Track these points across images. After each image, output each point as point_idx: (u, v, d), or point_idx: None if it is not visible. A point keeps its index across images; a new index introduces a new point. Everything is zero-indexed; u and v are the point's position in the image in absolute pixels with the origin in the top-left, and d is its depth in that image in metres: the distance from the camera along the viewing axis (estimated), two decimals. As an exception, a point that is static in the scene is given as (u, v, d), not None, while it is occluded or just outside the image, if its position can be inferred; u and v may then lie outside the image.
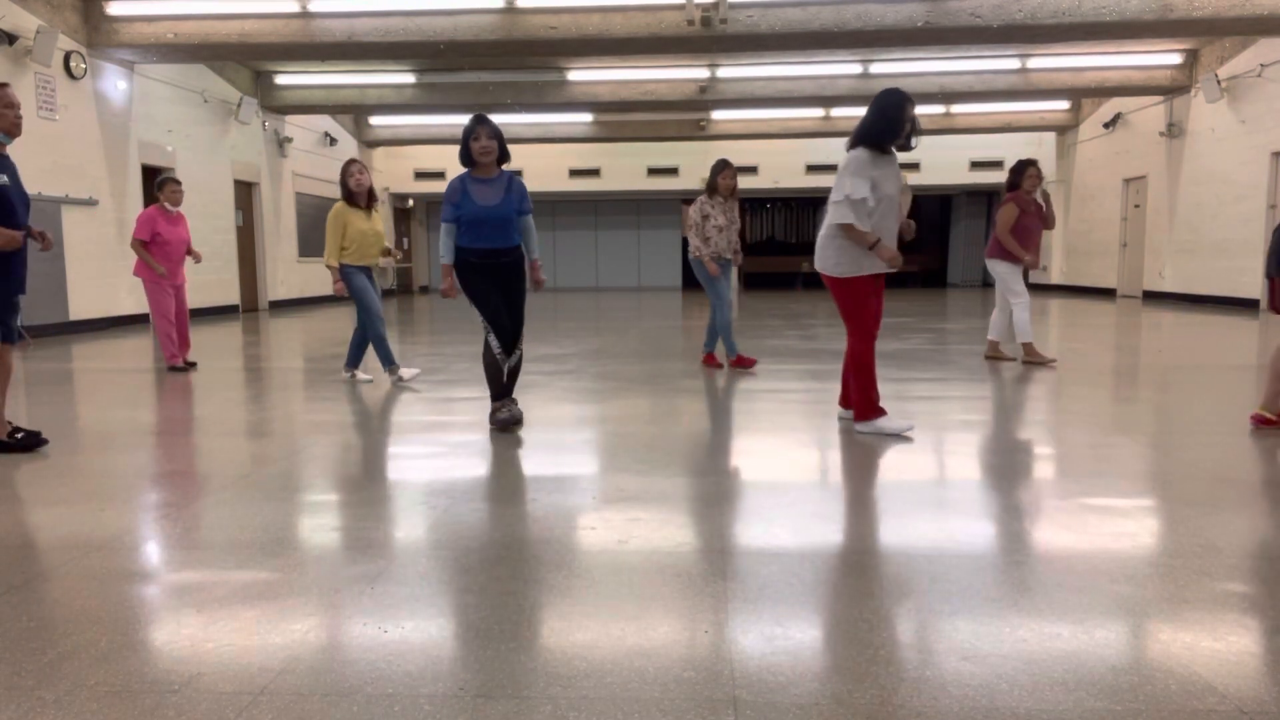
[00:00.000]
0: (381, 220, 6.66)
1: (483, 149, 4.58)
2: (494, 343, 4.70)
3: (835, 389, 5.97)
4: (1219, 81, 13.75)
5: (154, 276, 7.25)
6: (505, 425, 4.67)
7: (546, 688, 1.90)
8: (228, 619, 2.27)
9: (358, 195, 6.43)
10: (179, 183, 7.46)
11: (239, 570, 2.62)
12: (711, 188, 6.92)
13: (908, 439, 4.37)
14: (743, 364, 7.12)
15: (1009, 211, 7.11)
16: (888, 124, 4.28)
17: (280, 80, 15.84)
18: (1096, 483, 3.54)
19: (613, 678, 1.95)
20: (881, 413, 4.52)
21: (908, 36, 11.03)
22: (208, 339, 10.38)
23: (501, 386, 4.73)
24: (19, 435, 4.32)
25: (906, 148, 4.35)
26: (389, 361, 6.60)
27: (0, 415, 4.26)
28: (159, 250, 7.28)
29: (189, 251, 7.51)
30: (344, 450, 4.27)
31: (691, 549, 2.77)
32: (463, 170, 4.73)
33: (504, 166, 4.73)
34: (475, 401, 5.63)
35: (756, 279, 25.53)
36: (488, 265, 4.68)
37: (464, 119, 18.15)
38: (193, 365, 7.46)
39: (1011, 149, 21.30)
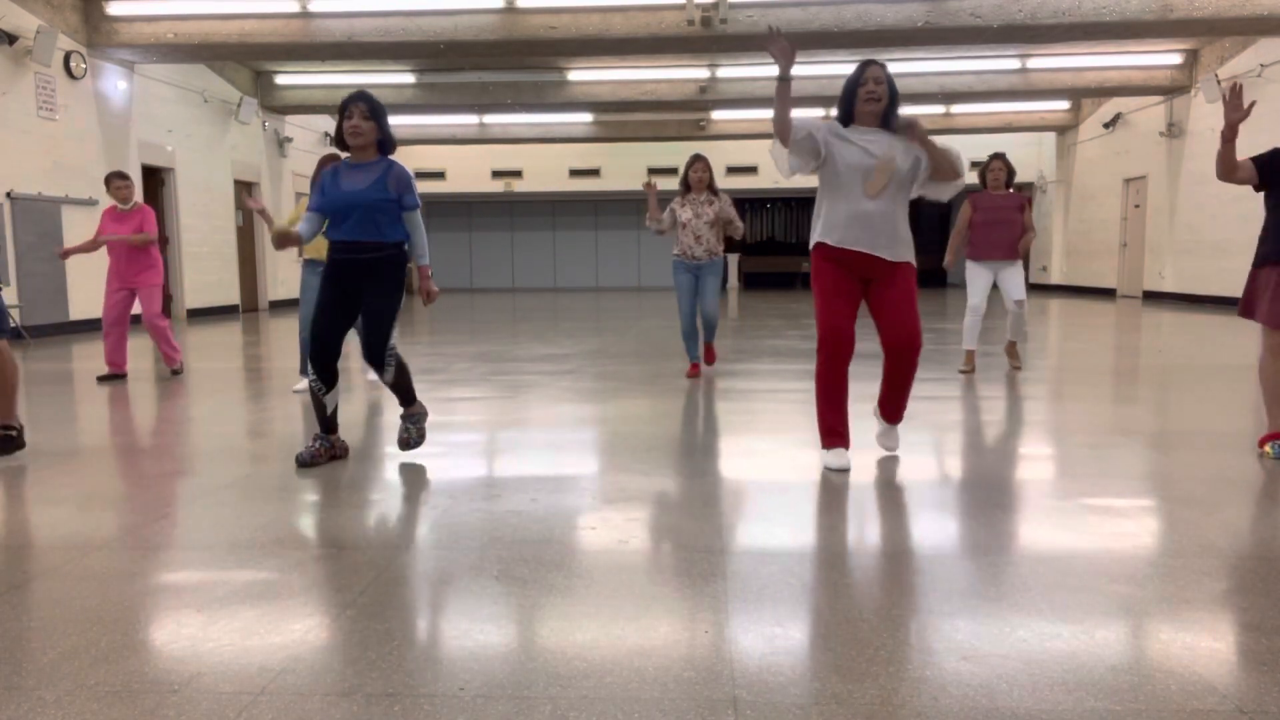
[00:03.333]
0: None
1: (353, 129, 3.90)
2: (308, 367, 4.00)
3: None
4: (1219, 81, 13.75)
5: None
6: (304, 462, 3.95)
7: (546, 688, 1.90)
8: (228, 619, 2.27)
9: None
10: (125, 178, 6.97)
11: (239, 570, 2.62)
12: (683, 183, 6.58)
13: (836, 470, 3.81)
14: (694, 373, 6.71)
15: (962, 210, 6.93)
16: (842, 98, 3.87)
17: (280, 80, 15.85)
18: (1096, 483, 3.54)
19: (613, 678, 1.95)
20: (827, 443, 3.90)
21: (908, 36, 11.04)
22: (207, 339, 10.39)
23: (324, 419, 4.03)
24: (13, 431, 4.26)
25: (893, 121, 3.79)
26: (302, 370, 6.26)
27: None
28: (108, 250, 6.91)
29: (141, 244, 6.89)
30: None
31: (691, 549, 2.77)
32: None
33: (391, 157, 4.09)
34: (476, 401, 5.63)
35: (756, 279, 25.55)
36: (347, 262, 3.98)
37: (465, 119, 18.21)
38: (115, 378, 6.79)
39: (1011, 149, 21.25)
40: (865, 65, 3.80)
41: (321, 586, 2.49)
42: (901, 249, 3.81)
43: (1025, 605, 2.31)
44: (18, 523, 3.12)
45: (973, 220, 6.85)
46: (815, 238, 3.89)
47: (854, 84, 3.80)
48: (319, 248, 6.21)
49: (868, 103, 3.77)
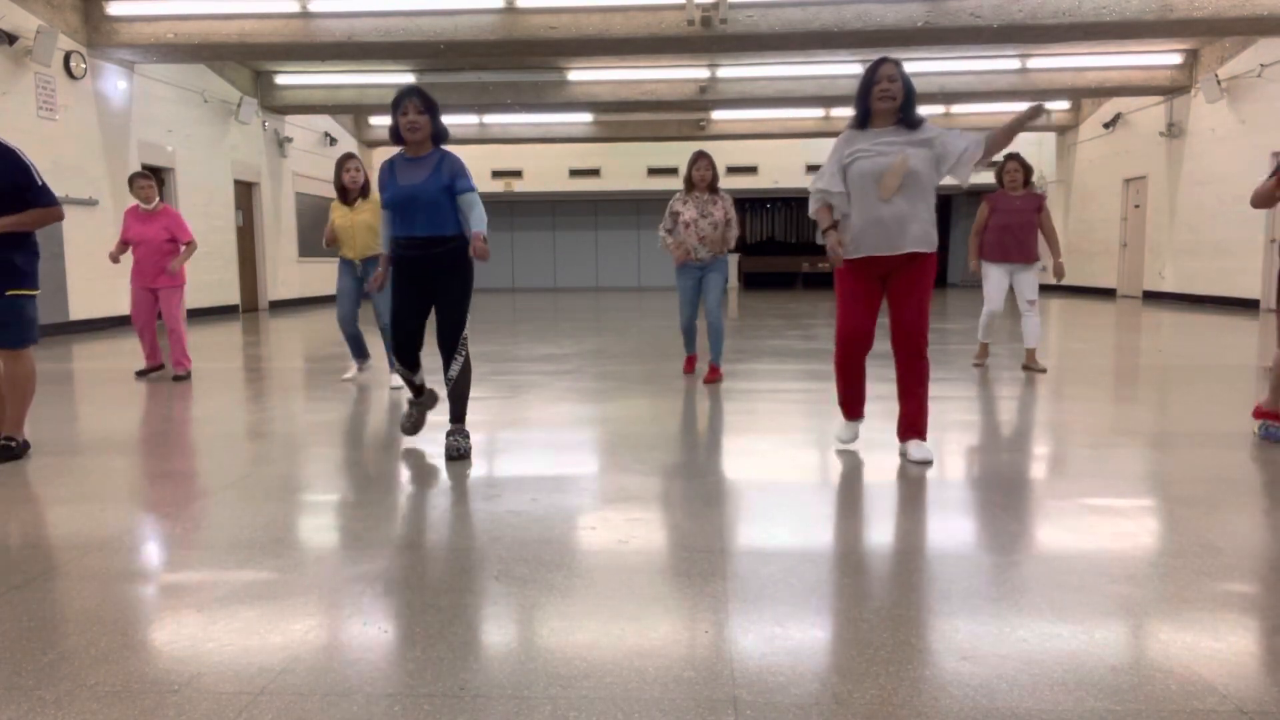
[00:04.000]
0: (370, 211, 6.32)
1: (411, 124, 3.99)
2: (389, 355, 4.23)
3: (830, 389, 5.95)
4: (1219, 81, 13.75)
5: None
6: (407, 428, 4.39)
7: (546, 688, 1.90)
8: (228, 619, 2.27)
9: (350, 191, 6.31)
10: (147, 177, 7.01)
11: (239, 570, 2.62)
12: (687, 181, 6.44)
13: (843, 441, 4.20)
14: (689, 368, 6.78)
15: (979, 211, 6.90)
16: (857, 98, 3.87)
17: (280, 80, 15.84)
18: (1096, 483, 3.54)
19: (613, 678, 1.95)
20: (846, 414, 4.19)
21: (908, 36, 11.03)
22: (207, 339, 10.38)
23: (416, 389, 4.42)
24: (14, 444, 4.21)
25: (910, 117, 3.81)
26: (354, 356, 6.76)
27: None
28: (133, 251, 6.97)
29: (177, 251, 7.02)
30: (344, 450, 4.27)
31: (691, 549, 2.77)
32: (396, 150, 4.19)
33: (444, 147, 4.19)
34: (478, 401, 5.63)
35: (756, 278, 25.53)
36: (419, 258, 4.10)
37: (465, 119, 18.20)
38: (154, 370, 7.03)
39: (1012, 149, 21.24)
40: (879, 63, 3.78)
41: (321, 586, 2.48)
42: (921, 242, 3.81)
43: (1025, 605, 2.31)
44: (19, 522, 3.12)
45: (989, 222, 6.77)
46: (849, 252, 3.93)
47: (868, 83, 3.79)
48: (352, 246, 6.38)
49: (882, 101, 3.77)
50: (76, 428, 4.89)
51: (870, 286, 3.90)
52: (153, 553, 2.78)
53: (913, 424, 3.99)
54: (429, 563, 2.67)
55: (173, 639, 2.15)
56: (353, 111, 17.21)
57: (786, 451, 4.15)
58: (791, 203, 25.80)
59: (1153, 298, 15.90)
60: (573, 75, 15.20)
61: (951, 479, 3.63)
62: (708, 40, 11.16)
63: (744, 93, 15.38)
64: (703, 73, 14.91)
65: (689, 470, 3.80)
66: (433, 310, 4.24)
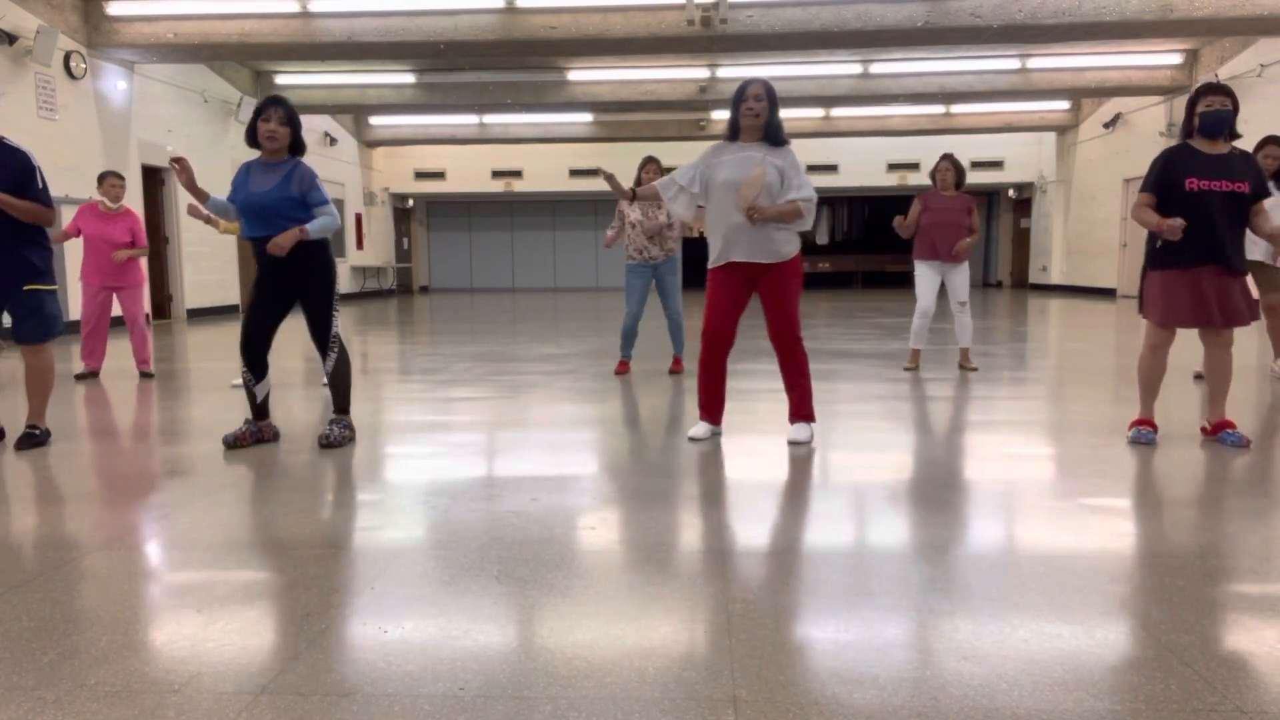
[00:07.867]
0: None
1: (270, 133, 4.16)
2: (241, 360, 4.29)
3: (833, 389, 5.97)
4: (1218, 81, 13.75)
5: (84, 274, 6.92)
6: (228, 443, 4.28)
7: (546, 688, 1.90)
8: (228, 619, 2.27)
9: None
10: (120, 177, 6.98)
11: (239, 570, 2.62)
12: (636, 185, 6.75)
13: (693, 439, 4.38)
14: (622, 369, 6.99)
15: (912, 207, 6.87)
16: (730, 113, 4.28)
17: (280, 80, 15.85)
18: (1096, 483, 3.54)
19: (613, 678, 1.95)
20: (701, 415, 4.47)
21: (908, 36, 11.04)
22: (207, 339, 10.39)
23: (255, 406, 4.37)
24: (37, 432, 4.48)
25: (773, 135, 4.24)
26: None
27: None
28: (86, 248, 6.84)
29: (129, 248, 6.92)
30: (343, 450, 4.27)
31: (691, 549, 2.77)
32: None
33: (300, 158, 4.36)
34: (476, 401, 5.63)
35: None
36: (272, 262, 4.24)
37: (465, 119, 18.22)
38: (92, 375, 6.88)
39: (1011, 149, 21.30)
40: (748, 83, 4.23)
41: (321, 586, 2.49)
42: (781, 250, 4.22)
43: (1025, 605, 2.31)
44: (19, 522, 3.12)
45: (921, 221, 6.79)
46: (709, 259, 4.36)
47: (736, 102, 4.19)
48: None
49: (746, 117, 4.19)
50: (74, 428, 4.89)
51: (737, 291, 4.28)
52: (152, 553, 2.78)
53: (798, 409, 4.37)
54: (429, 562, 2.67)
55: (173, 639, 2.15)
56: (353, 111, 17.20)
57: (786, 451, 4.15)
58: (791, 203, 25.77)
59: (1153, 298, 15.88)
60: (573, 75, 15.21)
61: (951, 479, 3.63)
62: (708, 40, 11.16)
63: (744, 93, 15.36)
64: (703, 73, 14.92)
65: (689, 470, 3.80)
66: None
